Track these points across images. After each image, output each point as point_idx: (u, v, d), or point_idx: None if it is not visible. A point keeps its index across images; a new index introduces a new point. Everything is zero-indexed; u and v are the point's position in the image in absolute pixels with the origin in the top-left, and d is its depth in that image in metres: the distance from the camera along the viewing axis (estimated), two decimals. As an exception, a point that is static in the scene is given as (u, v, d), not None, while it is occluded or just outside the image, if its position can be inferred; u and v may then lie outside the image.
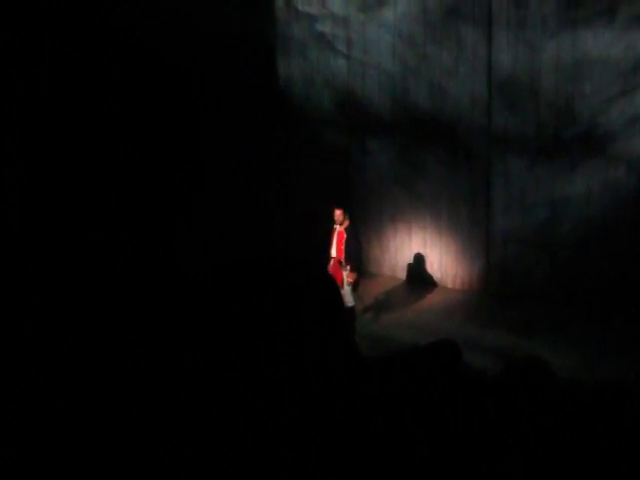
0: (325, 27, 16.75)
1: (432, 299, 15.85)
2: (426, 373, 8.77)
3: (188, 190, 16.18)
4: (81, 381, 7.19)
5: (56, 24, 14.79)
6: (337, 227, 14.07)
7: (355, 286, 14.06)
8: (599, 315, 14.58)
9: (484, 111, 15.39)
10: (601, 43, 14.24)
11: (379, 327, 14.47)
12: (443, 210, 16.18)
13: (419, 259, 16.48)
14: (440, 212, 16.21)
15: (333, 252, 14.07)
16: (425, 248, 16.43)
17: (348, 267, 13.86)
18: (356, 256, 14.05)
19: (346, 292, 13.67)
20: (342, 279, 13.82)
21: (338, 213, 14.04)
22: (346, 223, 14.01)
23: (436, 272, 16.35)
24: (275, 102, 17.41)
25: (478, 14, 15.14)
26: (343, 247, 13.94)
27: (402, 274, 16.75)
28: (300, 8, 16.93)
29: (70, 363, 7.45)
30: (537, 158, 15.07)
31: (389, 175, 16.67)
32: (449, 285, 16.26)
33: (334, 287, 11.17)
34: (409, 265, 16.64)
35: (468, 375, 9.74)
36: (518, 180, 15.30)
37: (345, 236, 13.98)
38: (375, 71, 16.40)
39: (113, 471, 6.33)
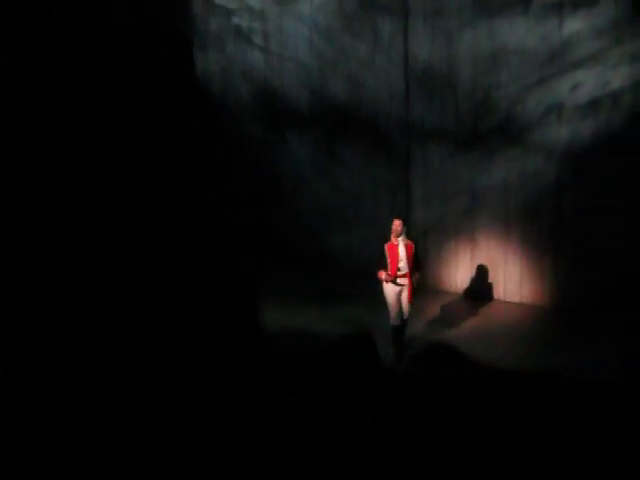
0: (242, 20, 16.67)
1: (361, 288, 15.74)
2: (339, 366, 8.78)
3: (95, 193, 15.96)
4: (81, 378, 7.14)
5: None
6: (398, 240, 12.71)
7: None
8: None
9: (402, 102, 15.40)
10: (517, 32, 14.31)
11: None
12: (364, 201, 16.17)
13: (341, 250, 16.46)
14: (361, 203, 16.20)
15: (403, 266, 12.72)
16: (346, 239, 16.40)
17: (417, 274, 12.93)
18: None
19: (408, 307, 12.95)
20: (412, 294, 12.88)
21: (398, 223, 12.70)
22: (404, 234, 12.80)
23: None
24: (193, 97, 17.27)
25: (394, 5, 15.15)
26: (412, 259, 12.77)
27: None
28: (217, 2, 16.83)
29: (70, 360, 7.38)
30: (456, 148, 15.13)
31: (308, 167, 16.64)
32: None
33: (250, 291, 11.09)
34: (332, 257, 16.61)
35: (383, 365, 9.77)
36: (438, 170, 15.36)
37: (413, 246, 12.85)
38: (292, 64, 16.36)
39: (112, 469, 6.29)
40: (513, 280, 15.00)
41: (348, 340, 11.31)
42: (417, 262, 12.94)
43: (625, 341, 12.99)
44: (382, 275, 12.69)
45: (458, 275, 15.55)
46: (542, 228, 14.55)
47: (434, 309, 14.77)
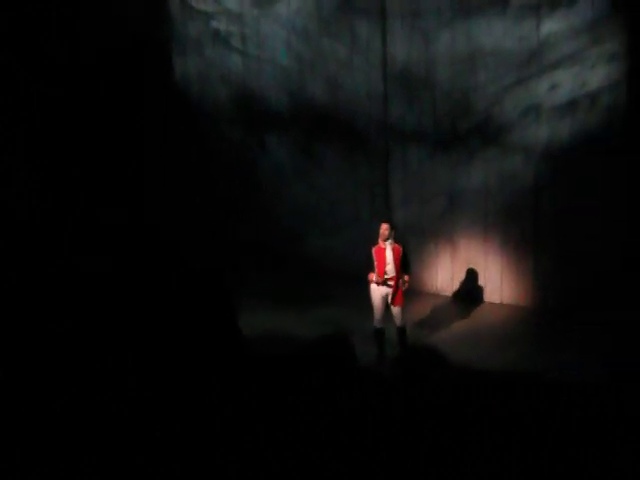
0: (220, 24, 16.63)
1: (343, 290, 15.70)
2: (315, 370, 8.80)
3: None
4: (81, 378, 7.10)
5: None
6: (385, 244, 12.61)
7: None
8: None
9: (380, 103, 15.41)
10: (494, 33, 14.35)
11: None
12: (343, 203, 16.15)
13: (322, 252, 16.41)
14: (340, 205, 16.18)
15: (390, 271, 12.61)
16: (326, 240, 16.37)
17: (406, 277, 12.76)
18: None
19: (400, 310, 12.82)
20: (402, 296, 12.77)
21: (385, 227, 12.58)
22: (391, 238, 12.65)
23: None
24: (172, 102, 17.20)
25: (372, 6, 15.15)
26: (399, 262, 12.63)
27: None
28: (195, 5, 16.77)
29: (70, 360, 7.34)
30: (435, 149, 15.15)
31: (287, 169, 16.61)
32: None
33: (230, 293, 11.10)
34: (313, 258, 16.56)
35: (361, 367, 9.79)
36: (416, 172, 15.37)
37: (401, 250, 12.68)
38: (271, 66, 16.34)
39: (112, 469, 6.26)
40: (493, 281, 15.04)
41: (330, 342, 11.30)
42: (407, 265, 12.89)
43: (603, 341, 13.08)
44: (372, 277, 12.67)
45: (438, 276, 15.57)
46: (521, 229, 14.59)
47: (415, 311, 14.69)
